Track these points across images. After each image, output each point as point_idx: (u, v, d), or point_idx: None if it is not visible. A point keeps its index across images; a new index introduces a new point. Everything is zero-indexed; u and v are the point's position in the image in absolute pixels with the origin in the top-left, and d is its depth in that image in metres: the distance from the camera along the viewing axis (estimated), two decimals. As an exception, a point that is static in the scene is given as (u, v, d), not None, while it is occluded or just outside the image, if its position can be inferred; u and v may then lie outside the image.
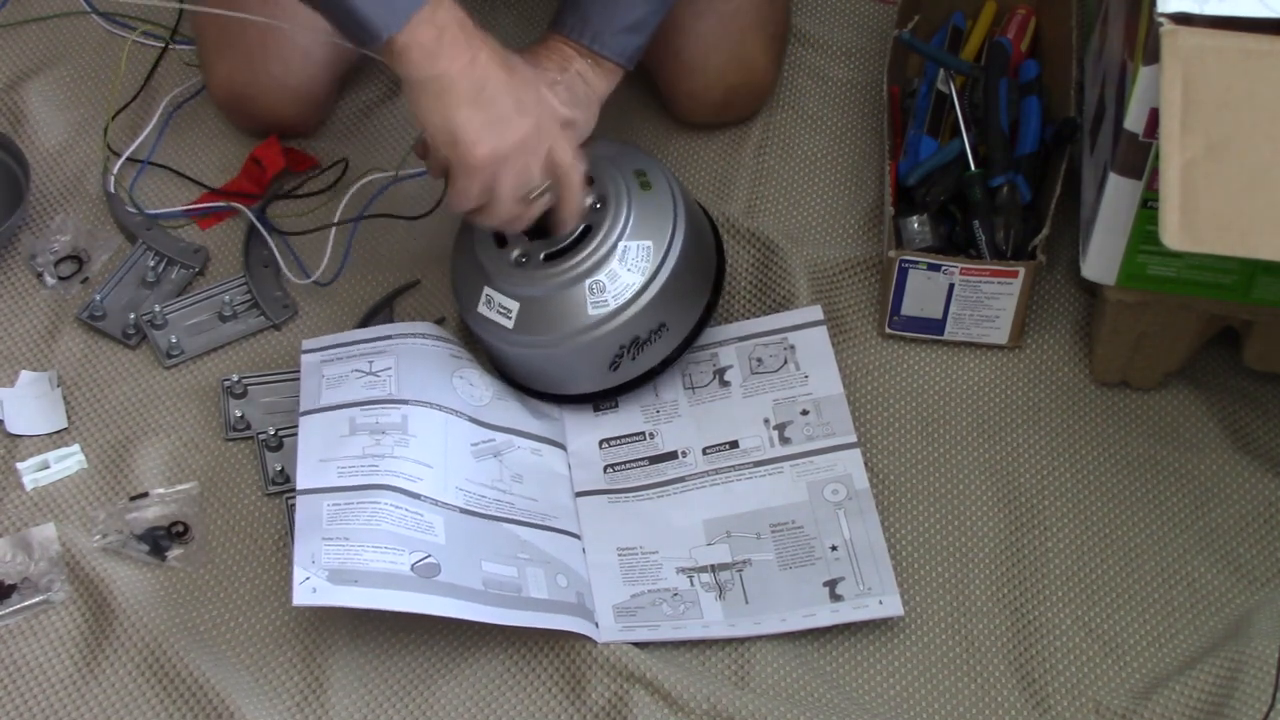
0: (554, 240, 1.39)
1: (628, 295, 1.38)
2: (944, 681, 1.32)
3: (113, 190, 1.61)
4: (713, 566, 1.37)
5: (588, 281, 1.38)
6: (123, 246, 1.58)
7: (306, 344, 1.47)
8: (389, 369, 1.42)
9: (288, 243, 1.58)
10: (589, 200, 1.40)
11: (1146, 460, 1.43)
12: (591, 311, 1.38)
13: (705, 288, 1.44)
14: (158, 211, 1.60)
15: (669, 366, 1.43)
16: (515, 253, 1.40)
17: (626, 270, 1.38)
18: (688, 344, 1.43)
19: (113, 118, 1.66)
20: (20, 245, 1.58)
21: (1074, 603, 1.36)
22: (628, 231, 1.38)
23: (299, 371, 1.45)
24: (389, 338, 1.45)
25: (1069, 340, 1.50)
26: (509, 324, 1.41)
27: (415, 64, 1.25)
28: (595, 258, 1.38)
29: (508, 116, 1.28)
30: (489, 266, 1.41)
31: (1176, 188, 1.10)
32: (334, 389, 1.41)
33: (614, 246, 1.38)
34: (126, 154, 1.62)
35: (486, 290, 1.41)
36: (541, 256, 1.39)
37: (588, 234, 1.38)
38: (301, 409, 1.40)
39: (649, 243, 1.39)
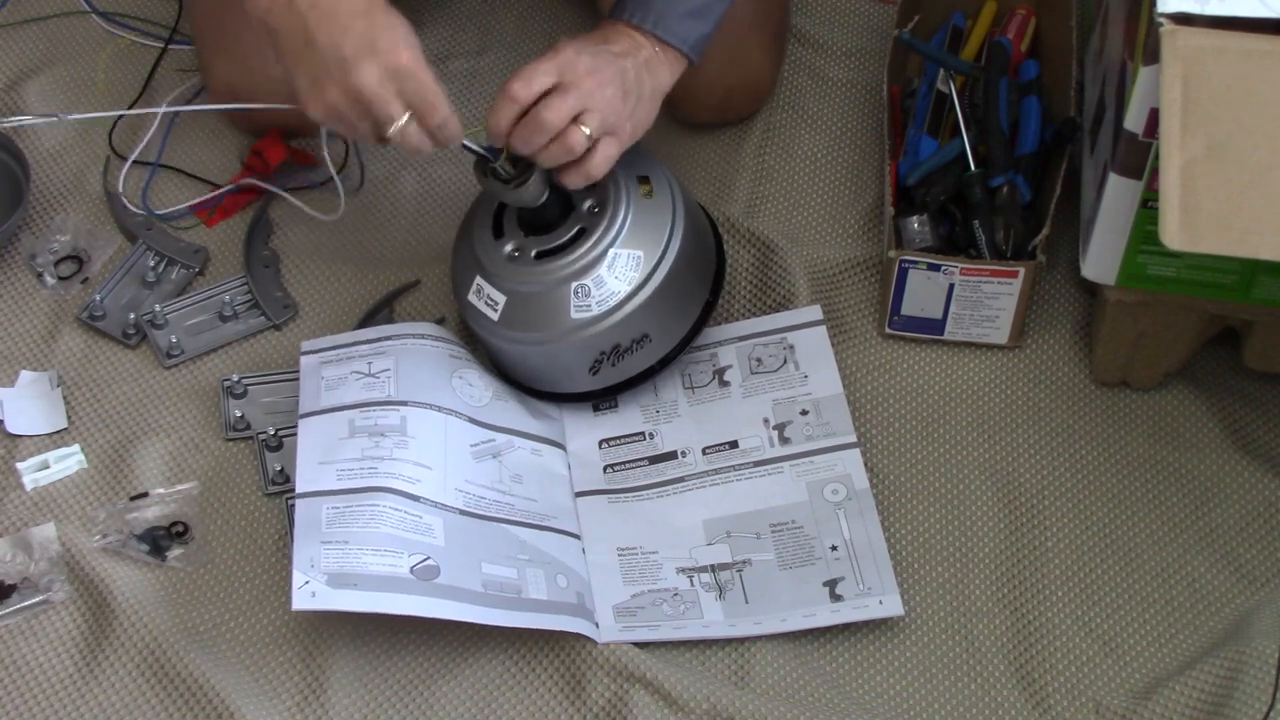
0: (548, 239, 1.39)
1: (611, 303, 1.38)
2: (944, 681, 1.32)
3: (118, 190, 1.61)
4: (713, 566, 1.37)
5: (574, 284, 1.38)
6: (123, 246, 1.58)
7: (306, 345, 1.47)
8: (388, 370, 1.42)
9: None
10: (586, 203, 1.40)
11: (1146, 460, 1.43)
12: (574, 315, 1.38)
13: (698, 300, 1.44)
14: (165, 211, 1.60)
15: (653, 375, 1.44)
16: (509, 246, 1.41)
17: (614, 278, 1.37)
18: (674, 355, 1.43)
19: (115, 123, 1.66)
20: (20, 245, 1.58)
21: (1074, 603, 1.36)
22: (620, 239, 1.38)
23: (299, 372, 1.45)
24: (388, 338, 1.45)
25: (1069, 340, 1.50)
26: (494, 316, 1.41)
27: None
28: (584, 261, 1.37)
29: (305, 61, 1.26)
30: (482, 257, 1.41)
31: (1176, 188, 1.10)
32: (333, 391, 1.41)
33: (604, 253, 1.37)
34: (132, 157, 1.63)
35: (478, 279, 1.42)
36: (533, 254, 1.40)
37: (581, 236, 1.38)
38: (301, 411, 1.40)
39: (640, 253, 1.38)
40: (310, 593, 1.25)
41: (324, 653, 1.33)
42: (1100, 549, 1.39)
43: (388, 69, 1.24)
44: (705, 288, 1.44)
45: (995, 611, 1.35)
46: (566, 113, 1.29)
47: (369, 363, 1.43)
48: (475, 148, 1.33)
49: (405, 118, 1.26)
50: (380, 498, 1.32)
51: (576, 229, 1.39)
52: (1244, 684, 1.29)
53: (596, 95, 1.31)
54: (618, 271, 1.37)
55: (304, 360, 1.45)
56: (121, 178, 1.62)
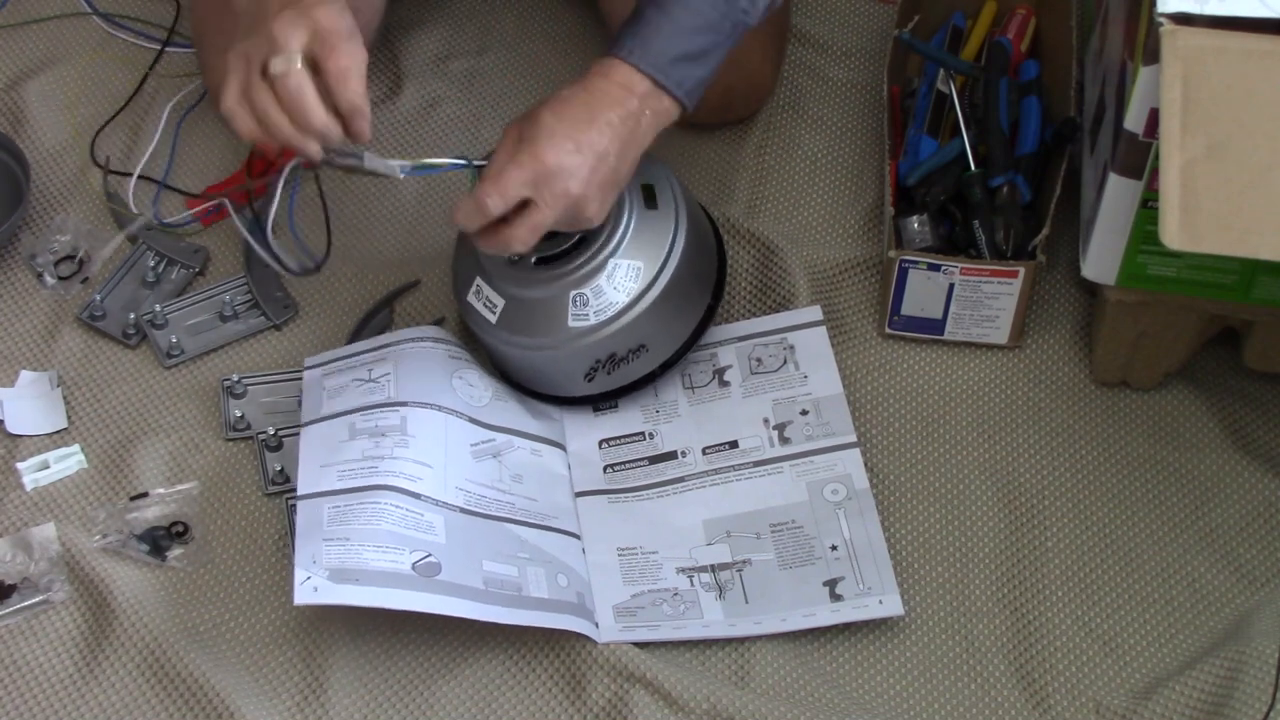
0: (548, 245, 1.38)
1: (609, 313, 1.37)
2: (944, 681, 1.32)
3: (114, 191, 1.61)
4: (713, 566, 1.37)
5: (573, 293, 1.37)
6: (123, 246, 1.58)
7: (309, 360, 1.47)
8: (388, 374, 1.42)
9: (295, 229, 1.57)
10: None
11: (1146, 460, 1.43)
12: (571, 323, 1.38)
13: (698, 308, 1.43)
14: (171, 220, 1.60)
15: (654, 380, 1.44)
16: None
17: (613, 288, 1.37)
18: (675, 360, 1.43)
19: (102, 128, 1.65)
20: (20, 245, 1.58)
21: (1074, 603, 1.36)
22: (620, 250, 1.38)
23: (299, 372, 1.45)
24: (389, 345, 1.45)
25: (1069, 340, 1.50)
26: (492, 318, 1.41)
27: None
28: (584, 270, 1.37)
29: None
30: (483, 258, 1.41)
31: (1176, 188, 1.10)
32: (334, 399, 1.41)
33: (604, 263, 1.37)
34: (138, 170, 1.63)
35: (478, 280, 1.42)
36: (533, 259, 1.39)
37: (581, 245, 1.38)
38: (303, 420, 1.40)
39: (640, 264, 1.38)
40: (312, 588, 1.26)
41: (324, 653, 1.33)
42: (1100, 549, 1.39)
43: (302, 14, 1.19)
44: (706, 294, 1.44)
45: (995, 611, 1.35)
46: (530, 237, 1.28)
47: (369, 369, 1.43)
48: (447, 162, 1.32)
49: (298, 57, 1.18)
50: (381, 495, 1.32)
51: (577, 237, 1.38)
52: (1244, 684, 1.29)
53: (562, 202, 1.27)
54: (617, 282, 1.37)
55: (307, 375, 1.46)
56: (131, 186, 1.62)
